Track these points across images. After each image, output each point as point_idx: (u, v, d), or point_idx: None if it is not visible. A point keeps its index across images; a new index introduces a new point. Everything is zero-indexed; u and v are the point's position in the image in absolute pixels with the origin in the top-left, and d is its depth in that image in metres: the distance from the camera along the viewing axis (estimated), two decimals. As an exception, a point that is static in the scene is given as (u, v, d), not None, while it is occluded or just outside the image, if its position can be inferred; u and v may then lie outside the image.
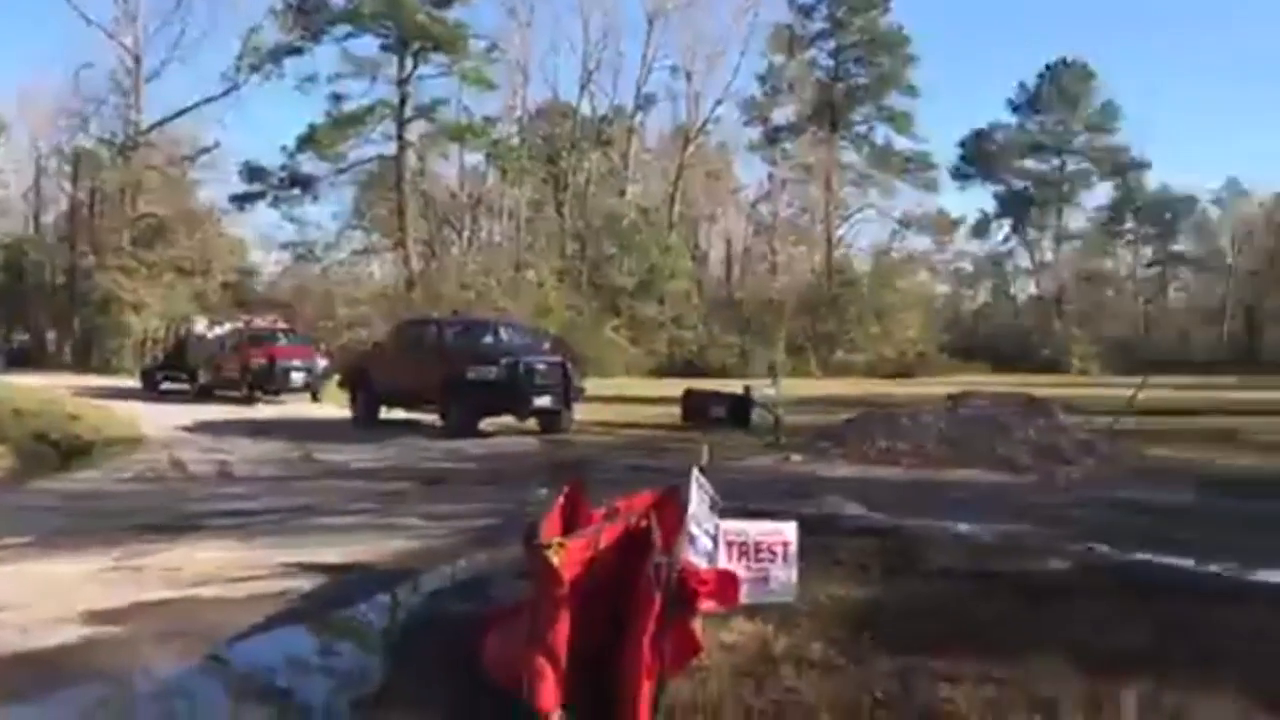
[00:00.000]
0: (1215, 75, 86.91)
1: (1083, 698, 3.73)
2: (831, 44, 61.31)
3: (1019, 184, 67.43)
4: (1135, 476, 11.57)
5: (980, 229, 67.99)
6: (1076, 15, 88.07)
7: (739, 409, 17.91)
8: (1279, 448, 14.79)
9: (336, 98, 47.77)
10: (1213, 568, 6.48)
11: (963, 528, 7.78)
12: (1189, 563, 6.62)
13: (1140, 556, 6.79)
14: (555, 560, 3.52)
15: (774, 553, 4.87)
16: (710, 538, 4.67)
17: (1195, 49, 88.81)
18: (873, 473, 11.82)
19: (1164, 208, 66.83)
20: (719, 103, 56.29)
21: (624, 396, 25.30)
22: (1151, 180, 67.01)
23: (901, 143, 61.81)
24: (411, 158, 49.22)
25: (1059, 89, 65.09)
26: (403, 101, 47.78)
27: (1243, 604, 5.35)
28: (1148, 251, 69.55)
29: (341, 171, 49.26)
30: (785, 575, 4.87)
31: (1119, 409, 16.08)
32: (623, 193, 54.44)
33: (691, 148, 55.73)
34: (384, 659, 4.72)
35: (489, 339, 18.51)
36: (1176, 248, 68.83)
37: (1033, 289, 68.83)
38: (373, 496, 10.45)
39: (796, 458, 13.12)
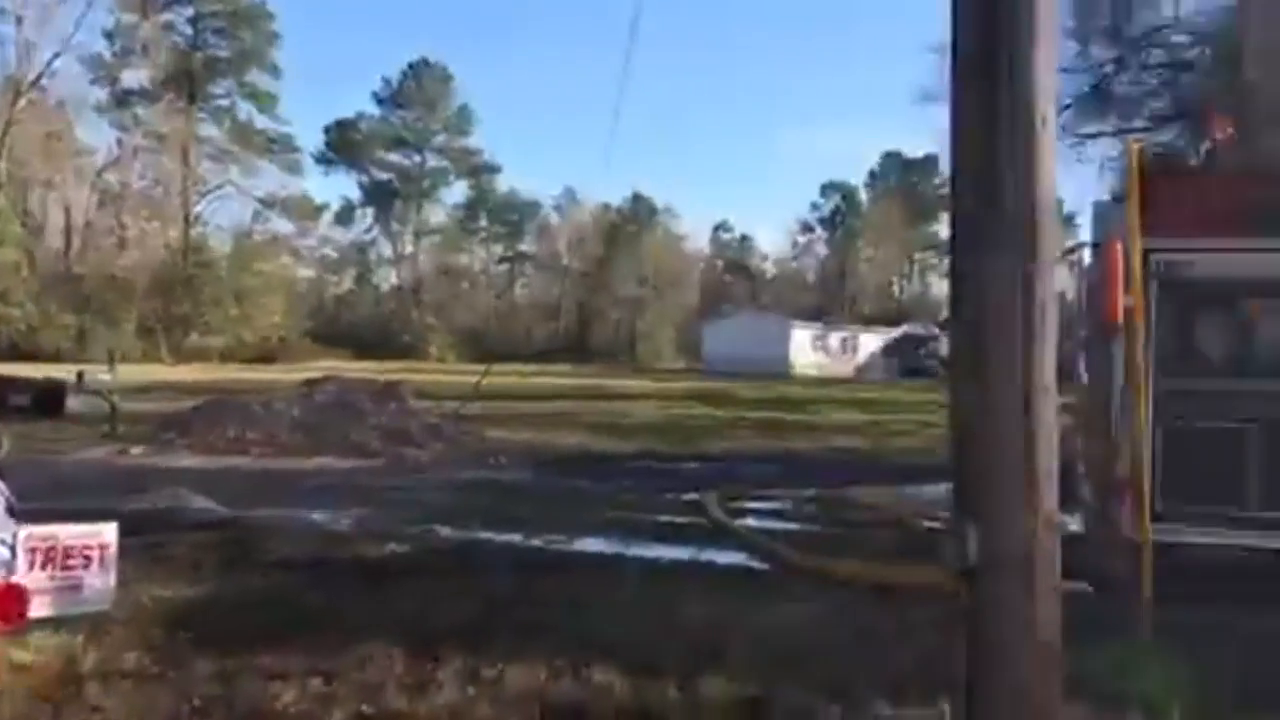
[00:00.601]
0: (561, 99, 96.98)
1: (408, 679, 3.83)
2: (190, 11, 57.96)
3: (382, 175, 69.41)
4: (478, 458, 12.37)
5: (344, 217, 68.92)
6: (440, 17, 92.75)
7: (47, 397, 16.58)
8: (604, 428, 16.93)
9: None
10: (537, 541, 7.10)
11: (314, 516, 7.73)
12: (519, 538, 7.20)
13: (480, 535, 7.24)
14: None
15: (88, 557, 4.45)
16: (8, 546, 4.11)
17: (546, 71, 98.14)
18: (221, 463, 11.38)
19: (512, 210, 73.18)
20: (57, 55, 50.32)
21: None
22: (502, 183, 73.05)
23: (264, 122, 60.38)
24: None
25: (420, 87, 67.98)
26: None
27: (565, 573, 5.95)
28: (498, 249, 75.50)
29: None
30: (101, 581, 4.47)
31: (467, 394, 17.25)
32: (-71, 145, 46.32)
33: (23, 102, 49.06)
34: None
35: None
36: (523, 247, 75.61)
37: (394, 279, 71.25)
38: None
39: (136, 449, 12.21)
